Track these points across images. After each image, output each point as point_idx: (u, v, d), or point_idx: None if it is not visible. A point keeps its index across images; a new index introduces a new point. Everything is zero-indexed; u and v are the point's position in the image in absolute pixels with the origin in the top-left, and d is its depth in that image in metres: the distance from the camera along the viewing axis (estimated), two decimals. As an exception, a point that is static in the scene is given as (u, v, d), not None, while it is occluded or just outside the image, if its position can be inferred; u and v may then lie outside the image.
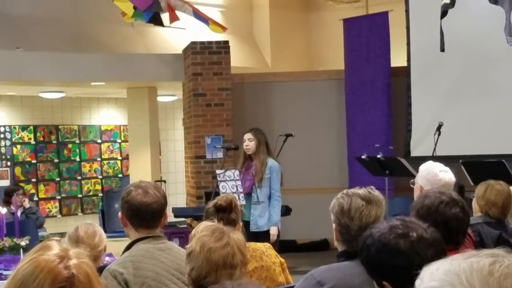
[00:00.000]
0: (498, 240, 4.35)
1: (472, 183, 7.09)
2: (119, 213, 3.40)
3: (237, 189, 6.69)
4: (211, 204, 4.21)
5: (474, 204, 4.68)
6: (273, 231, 6.79)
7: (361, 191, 2.90)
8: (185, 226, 10.12)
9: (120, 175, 14.31)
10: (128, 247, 3.36)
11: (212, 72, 10.21)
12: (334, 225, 2.91)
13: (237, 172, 6.82)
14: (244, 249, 2.75)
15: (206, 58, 10.21)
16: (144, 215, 3.31)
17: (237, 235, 2.75)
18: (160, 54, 11.17)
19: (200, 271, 2.64)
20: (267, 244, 4.27)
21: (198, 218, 8.70)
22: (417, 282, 1.05)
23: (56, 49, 10.43)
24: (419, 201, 3.19)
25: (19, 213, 9.23)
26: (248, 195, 6.86)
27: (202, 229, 2.78)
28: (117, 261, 3.31)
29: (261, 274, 3.82)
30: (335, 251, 3.00)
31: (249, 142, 6.94)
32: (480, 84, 9.10)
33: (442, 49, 7.67)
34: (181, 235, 9.22)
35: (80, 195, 13.77)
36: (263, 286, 3.82)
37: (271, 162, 6.96)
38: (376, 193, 2.93)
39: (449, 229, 3.03)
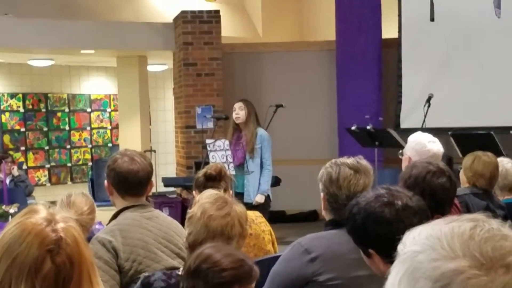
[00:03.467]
0: (485, 211, 4.37)
1: (460, 155, 7.12)
2: (105, 181, 3.40)
3: (227, 159, 6.70)
4: (200, 173, 4.23)
5: (462, 175, 4.70)
6: (259, 198, 6.83)
7: (350, 160, 2.91)
8: (175, 196, 10.14)
9: (109, 144, 14.29)
10: (115, 216, 3.36)
11: (203, 42, 10.16)
12: (322, 194, 2.91)
13: (227, 142, 6.82)
14: (245, 222, 2.76)
15: (197, 27, 10.16)
16: (131, 183, 3.30)
17: (239, 208, 2.76)
18: (151, 23, 11.10)
19: (198, 236, 2.65)
20: (257, 213, 4.30)
21: (188, 188, 8.72)
22: (400, 247, 1.06)
23: (45, 16, 10.35)
24: (407, 171, 3.21)
25: (7, 181, 9.23)
26: (240, 165, 6.88)
27: (206, 196, 2.79)
28: (105, 230, 3.31)
29: (249, 242, 3.84)
30: (323, 222, 3.00)
31: (239, 111, 6.92)
32: (471, 56, 9.11)
33: (432, 19, 7.64)
34: (171, 205, 9.24)
35: (69, 164, 13.75)
36: (251, 253, 3.84)
37: (261, 131, 6.97)
38: (364, 162, 2.94)
39: (435, 198, 3.04)
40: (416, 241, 1.04)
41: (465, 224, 1.03)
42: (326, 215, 2.94)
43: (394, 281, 1.03)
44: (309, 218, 10.67)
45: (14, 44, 10.05)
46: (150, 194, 3.52)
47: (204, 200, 2.76)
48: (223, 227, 2.66)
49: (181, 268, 2.73)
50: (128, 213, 3.31)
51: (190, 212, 2.76)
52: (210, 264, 2.26)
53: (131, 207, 3.33)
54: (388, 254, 2.23)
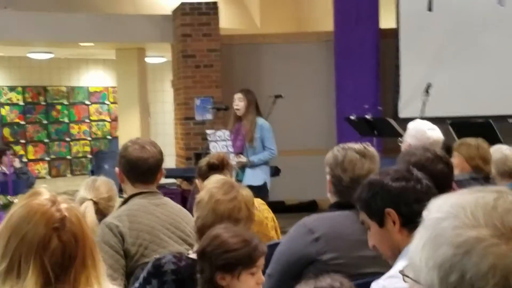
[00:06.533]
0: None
1: (459, 144, 7.16)
2: (116, 169, 3.46)
3: (227, 149, 6.73)
4: (203, 162, 4.29)
5: (462, 161, 4.70)
6: (240, 158, 6.78)
7: (357, 146, 2.96)
8: (175, 187, 10.19)
9: (109, 137, 14.33)
10: (125, 202, 3.42)
11: (201, 34, 10.19)
12: (328, 176, 2.96)
13: (227, 133, 6.85)
14: (252, 205, 2.83)
15: (195, 19, 10.18)
16: (141, 170, 3.38)
17: (246, 191, 2.83)
18: (149, 15, 11.12)
19: (205, 220, 2.72)
20: (259, 200, 4.34)
21: (188, 179, 8.77)
22: (425, 213, 1.12)
23: (44, 9, 10.37)
24: (405, 159, 3.18)
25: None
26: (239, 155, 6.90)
27: (213, 181, 2.87)
28: (113, 215, 3.38)
29: (252, 228, 3.89)
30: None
31: (239, 102, 6.94)
32: (469, 45, 9.15)
33: (430, 8, 7.66)
34: (171, 196, 9.23)
35: (69, 157, 13.80)
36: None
37: (261, 121, 6.94)
38: (371, 149, 2.99)
39: (435, 185, 3.07)
40: (440, 209, 1.09)
41: (489, 195, 1.08)
42: (331, 197, 2.98)
43: (417, 246, 1.08)
44: (308, 208, 10.69)
45: (13, 37, 10.07)
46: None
47: (211, 185, 2.83)
48: (230, 210, 2.73)
49: (191, 251, 2.80)
50: (137, 199, 3.39)
51: (198, 197, 2.83)
52: (213, 247, 2.35)
53: (140, 194, 3.40)
54: (410, 212, 2.26)
